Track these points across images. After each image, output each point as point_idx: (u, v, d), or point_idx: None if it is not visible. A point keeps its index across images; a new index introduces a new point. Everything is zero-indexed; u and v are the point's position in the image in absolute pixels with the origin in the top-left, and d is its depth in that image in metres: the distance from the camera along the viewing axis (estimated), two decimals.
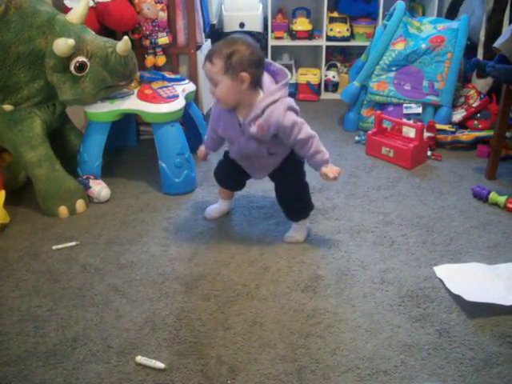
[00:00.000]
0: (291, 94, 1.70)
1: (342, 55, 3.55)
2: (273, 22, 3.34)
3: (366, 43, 3.08)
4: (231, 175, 1.91)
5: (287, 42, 3.38)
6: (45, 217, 2.03)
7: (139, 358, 1.35)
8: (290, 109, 1.61)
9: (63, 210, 2.02)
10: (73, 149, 2.28)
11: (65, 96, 1.97)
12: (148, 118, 2.14)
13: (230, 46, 1.54)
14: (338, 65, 3.45)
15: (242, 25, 3.10)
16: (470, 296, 1.52)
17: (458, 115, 2.69)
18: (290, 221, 1.87)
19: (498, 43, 2.10)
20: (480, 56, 2.81)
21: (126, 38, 1.95)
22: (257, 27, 3.13)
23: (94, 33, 2.02)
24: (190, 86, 2.35)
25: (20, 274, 1.70)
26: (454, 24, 2.73)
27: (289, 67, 3.21)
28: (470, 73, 2.89)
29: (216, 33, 3.03)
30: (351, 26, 3.32)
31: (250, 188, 2.13)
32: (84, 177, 2.15)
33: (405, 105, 2.72)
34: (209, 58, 1.56)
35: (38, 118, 2.02)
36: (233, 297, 1.58)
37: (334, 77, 3.41)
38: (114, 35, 2.38)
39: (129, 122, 2.59)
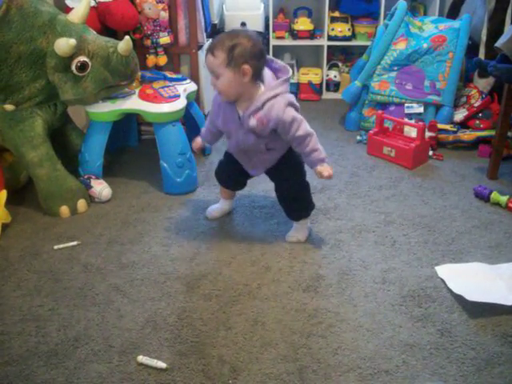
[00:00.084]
0: (292, 94, 1.70)
1: (344, 55, 3.55)
2: (274, 21, 3.35)
3: (368, 43, 3.08)
4: (232, 175, 1.91)
5: (289, 41, 3.38)
6: (46, 216, 2.03)
7: (141, 358, 1.35)
8: (291, 104, 1.62)
9: (64, 210, 2.02)
10: (74, 148, 2.28)
11: (66, 96, 1.97)
12: (149, 118, 2.14)
13: (232, 38, 1.55)
14: (340, 64, 3.45)
15: (243, 24, 3.11)
16: (472, 296, 1.51)
17: (460, 115, 2.69)
18: (291, 220, 1.87)
19: (499, 43, 2.10)
20: (482, 56, 2.81)
21: (127, 37, 1.95)
22: (258, 27, 3.13)
23: (95, 32, 2.02)
24: (191, 86, 2.35)
25: (21, 274, 1.70)
26: (455, 23, 2.72)
27: (290, 67, 3.19)
28: (471, 72, 2.89)
29: (217, 32, 3.01)
30: (353, 26, 3.32)
31: (251, 188, 2.13)
32: (85, 176, 2.15)
33: (406, 104, 2.72)
34: (211, 50, 1.57)
35: (39, 118, 2.02)
36: (234, 296, 1.58)
37: (335, 76, 3.41)
38: (116, 35, 2.38)
39: (130, 122, 2.60)
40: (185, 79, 2.36)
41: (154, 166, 2.27)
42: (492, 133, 2.45)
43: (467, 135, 2.58)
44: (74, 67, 1.92)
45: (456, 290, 1.56)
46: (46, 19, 1.92)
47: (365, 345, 1.39)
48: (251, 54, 1.54)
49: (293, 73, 3.36)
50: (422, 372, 1.31)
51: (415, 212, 2.03)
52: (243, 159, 1.80)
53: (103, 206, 2.11)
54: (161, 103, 2.11)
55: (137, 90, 2.19)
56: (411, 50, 2.69)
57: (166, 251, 1.81)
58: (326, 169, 1.65)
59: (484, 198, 2.09)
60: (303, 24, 3.33)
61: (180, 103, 2.15)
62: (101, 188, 2.11)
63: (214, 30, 2.92)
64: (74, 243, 1.85)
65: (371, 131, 2.57)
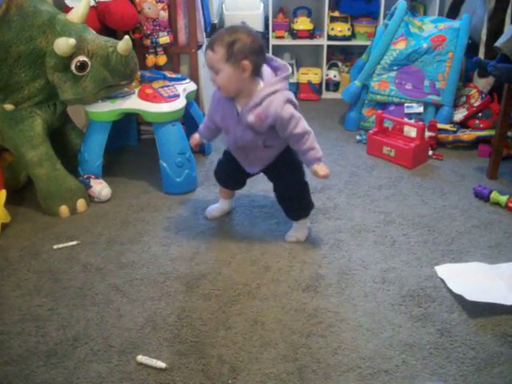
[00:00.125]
0: (292, 93, 1.70)
1: (343, 54, 3.55)
2: (274, 21, 3.35)
3: (367, 42, 3.08)
4: (231, 174, 1.91)
5: (288, 41, 3.38)
6: (46, 216, 2.03)
7: (140, 358, 1.34)
8: (289, 101, 1.62)
9: (64, 210, 2.02)
10: (74, 148, 2.28)
11: (66, 95, 1.97)
12: (149, 118, 2.14)
13: (232, 34, 1.55)
14: (339, 64, 3.45)
15: (243, 24, 3.10)
16: (472, 296, 1.51)
17: (460, 115, 2.69)
18: (290, 220, 1.87)
19: (499, 42, 2.10)
20: (481, 55, 2.81)
21: (126, 37, 1.94)
22: (258, 26, 3.12)
23: (94, 32, 2.02)
24: (190, 86, 2.35)
25: (21, 274, 1.70)
26: (455, 23, 2.72)
27: (290, 66, 3.20)
28: (471, 72, 2.89)
29: None
30: (352, 26, 3.32)
31: (251, 187, 2.13)
32: (85, 176, 2.15)
33: (406, 104, 2.72)
34: (210, 45, 1.57)
35: (38, 118, 2.02)
36: (234, 296, 1.58)
37: (335, 76, 3.41)
38: (115, 35, 2.38)
39: (130, 122, 2.59)
40: (184, 79, 2.36)
41: (153, 166, 2.27)
42: (492, 132, 2.45)
43: (467, 135, 2.58)
44: (73, 67, 1.92)
45: (456, 290, 1.56)
46: (46, 19, 1.92)
47: (364, 344, 1.39)
48: (251, 50, 1.55)
49: (292, 72, 3.36)
50: (421, 372, 1.31)
51: (415, 212, 2.03)
52: (240, 156, 1.80)
53: (103, 205, 2.10)
54: (160, 103, 2.11)
55: (136, 90, 2.19)
56: (411, 50, 2.69)
57: (166, 251, 1.81)
58: (322, 168, 1.65)
59: (484, 197, 2.09)
60: (303, 24, 3.33)
61: (179, 103, 2.15)
62: (100, 188, 2.11)
63: (214, 30, 2.92)
64: (74, 243, 1.85)
65: (371, 131, 2.56)
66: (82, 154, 2.21)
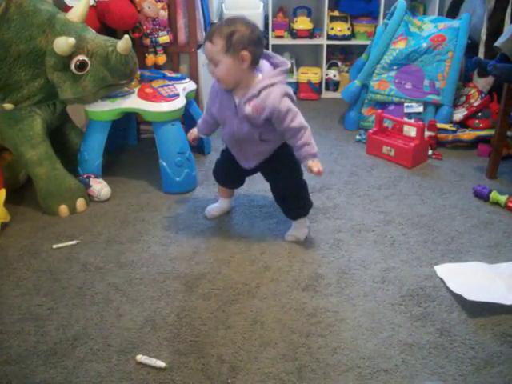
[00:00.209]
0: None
1: (343, 54, 3.55)
2: (273, 20, 3.35)
3: (367, 42, 3.08)
4: (229, 173, 1.91)
5: (288, 40, 3.39)
6: (45, 215, 2.02)
7: (140, 357, 1.34)
8: (287, 95, 1.62)
9: (63, 209, 2.02)
10: (73, 148, 2.28)
11: (65, 95, 1.97)
12: (148, 117, 2.14)
13: (230, 25, 1.55)
14: (339, 64, 3.45)
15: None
16: (471, 295, 1.51)
17: (459, 114, 2.69)
18: (289, 219, 1.87)
19: (499, 42, 2.10)
20: (481, 55, 2.81)
21: (126, 36, 1.94)
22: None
23: (94, 31, 2.02)
24: (190, 85, 2.35)
25: (20, 273, 1.70)
26: (455, 23, 2.72)
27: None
28: (471, 72, 2.89)
29: None
30: (352, 25, 3.32)
31: (250, 187, 2.13)
32: (84, 176, 2.15)
33: (406, 104, 2.72)
34: (209, 37, 1.57)
35: (38, 117, 2.01)
36: (233, 296, 1.58)
37: (334, 76, 3.41)
38: (115, 34, 2.38)
39: (129, 121, 2.59)
40: (184, 78, 2.36)
41: (153, 165, 2.27)
42: (491, 132, 2.45)
43: (466, 134, 2.58)
44: (73, 66, 1.91)
45: (455, 290, 1.56)
46: (45, 18, 1.92)
47: (364, 344, 1.39)
48: (250, 41, 1.55)
49: (292, 72, 3.37)
50: (421, 371, 1.31)
51: (414, 211, 2.03)
52: (236, 150, 1.79)
53: (102, 205, 2.10)
54: (160, 102, 2.11)
55: (136, 89, 2.19)
56: (411, 50, 2.69)
57: (165, 250, 1.81)
58: (316, 164, 1.64)
59: (483, 197, 2.09)
60: (302, 23, 3.33)
61: (179, 102, 2.15)
62: (100, 187, 2.11)
63: None
64: (73, 242, 1.85)
65: (370, 130, 2.56)
66: (81, 154, 2.20)
